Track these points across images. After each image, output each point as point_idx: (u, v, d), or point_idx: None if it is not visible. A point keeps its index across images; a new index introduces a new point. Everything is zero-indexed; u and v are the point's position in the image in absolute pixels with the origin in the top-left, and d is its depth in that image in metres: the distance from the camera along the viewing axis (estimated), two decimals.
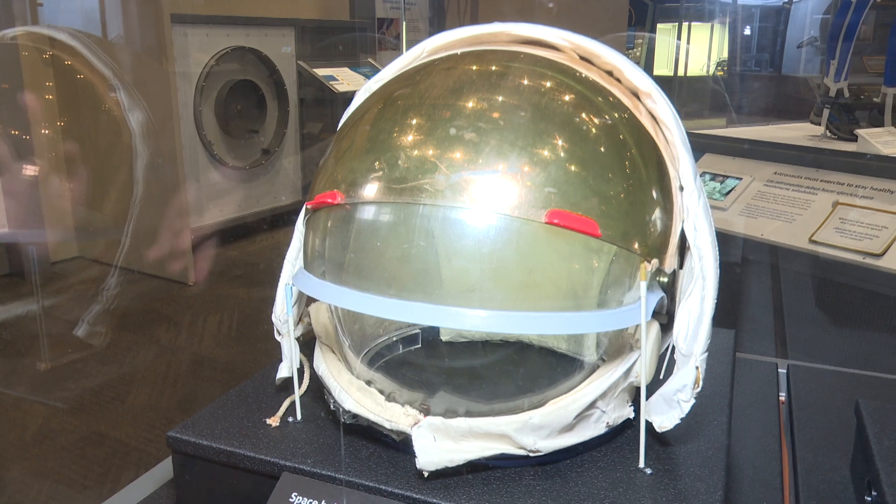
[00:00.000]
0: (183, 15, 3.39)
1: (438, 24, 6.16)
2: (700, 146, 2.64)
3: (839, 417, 0.66)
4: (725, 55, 7.04)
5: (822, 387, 0.74)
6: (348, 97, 3.39)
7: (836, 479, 0.59)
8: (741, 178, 2.61)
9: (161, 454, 0.60)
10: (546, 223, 0.45)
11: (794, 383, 0.75)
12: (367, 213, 0.52)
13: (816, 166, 2.50)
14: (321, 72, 4.47)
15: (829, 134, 2.78)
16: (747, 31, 6.94)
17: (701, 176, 2.03)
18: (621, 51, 0.54)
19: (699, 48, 7.25)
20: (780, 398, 0.75)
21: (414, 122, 0.50)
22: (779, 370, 0.79)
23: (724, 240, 2.31)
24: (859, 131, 2.59)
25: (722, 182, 2.61)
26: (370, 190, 0.49)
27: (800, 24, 6.45)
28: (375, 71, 5.23)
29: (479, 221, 0.47)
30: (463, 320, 0.47)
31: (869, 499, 0.51)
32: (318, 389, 0.58)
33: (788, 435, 0.67)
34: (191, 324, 3.08)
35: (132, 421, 2.27)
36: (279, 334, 0.59)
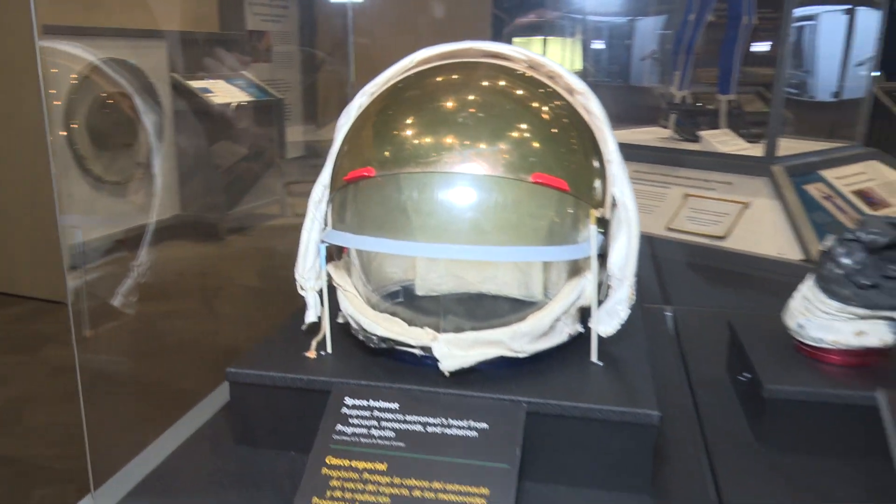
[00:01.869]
0: (53, 26, 3.30)
1: (310, 36, 6.23)
2: None
3: (712, 339, 0.88)
4: (579, 67, 7.59)
5: (696, 322, 0.96)
6: (223, 108, 3.49)
7: (717, 373, 0.81)
8: None
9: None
10: (532, 182, 0.63)
11: (678, 321, 0.97)
12: (399, 181, 0.68)
13: (668, 164, 2.83)
14: (196, 84, 4.43)
15: (676, 136, 3.11)
16: (597, 45, 7.52)
17: None
18: None
19: (554, 61, 7.73)
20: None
21: (426, 113, 0.66)
22: (665, 313, 1.01)
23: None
24: (701, 133, 2.98)
25: None
26: (400, 164, 0.65)
27: (643, 38, 7.10)
28: (249, 82, 5.22)
29: (483, 183, 0.65)
30: (481, 253, 0.65)
31: (742, 378, 0.72)
32: (336, 330, 0.72)
33: (679, 354, 0.89)
34: (83, 342, 3.00)
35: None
36: (302, 289, 0.73)
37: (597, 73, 7.83)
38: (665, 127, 3.30)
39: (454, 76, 0.70)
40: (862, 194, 2.80)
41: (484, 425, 0.59)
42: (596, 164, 0.69)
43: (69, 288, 0.91)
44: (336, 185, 0.71)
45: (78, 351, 0.71)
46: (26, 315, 3.22)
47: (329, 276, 0.71)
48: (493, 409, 0.60)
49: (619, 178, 0.70)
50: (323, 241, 0.69)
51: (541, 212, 0.71)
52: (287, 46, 6.14)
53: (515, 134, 0.66)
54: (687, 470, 0.64)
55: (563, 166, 0.64)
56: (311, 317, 0.74)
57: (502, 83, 0.67)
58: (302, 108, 6.21)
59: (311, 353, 0.70)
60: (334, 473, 0.57)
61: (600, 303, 0.70)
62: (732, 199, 2.55)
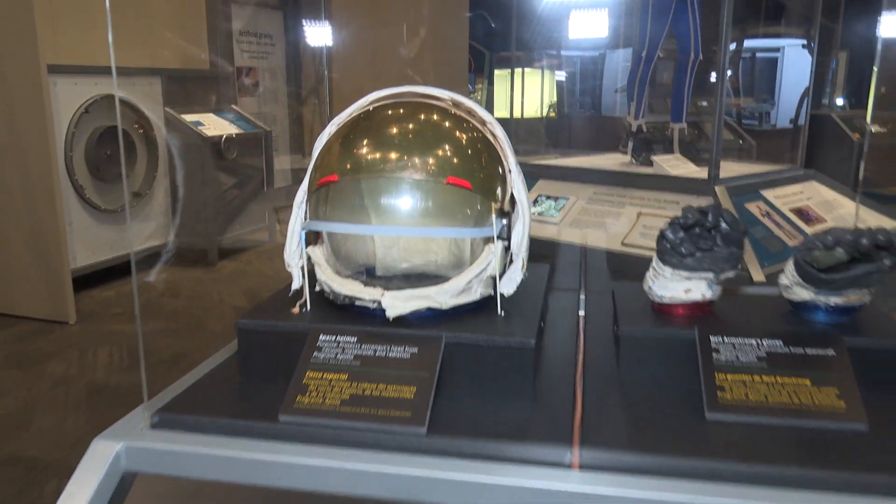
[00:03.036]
0: (53, 65, 3.56)
1: (296, 71, 6.54)
2: (536, 174, 3.18)
3: (609, 309, 1.14)
4: (555, 98, 7.95)
5: (603, 299, 1.23)
6: (216, 140, 3.82)
7: (605, 330, 1.09)
8: (569, 198, 3.12)
9: None
10: (446, 183, 0.90)
11: (589, 300, 1.24)
12: (356, 184, 0.95)
13: (624, 186, 3.07)
14: (188, 118, 4.69)
15: (633, 161, 3.36)
16: (572, 78, 7.89)
17: (538, 197, 2.63)
18: (464, 94, 1.01)
19: (533, 92, 8.10)
20: (580, 314, 1.23)
21: (375, 136, 0.93)
22: (580, 296, 1.28)
23: (558, 246, 2.83)
24: (655, 158, 3.25)
25: (555, 201, 3.12)
26: (357, 172, 0.92)
27: (613, 71, 7.48)
28: (238, 115, 5.45)
29: (415, 184, 0.92)
30: (415, 231, 0.93)
31: (614, 329, 0.99)
32: (312, 295, 0.99)
33: (583, 320, 1.16)
34: (80, 358, 3.21)
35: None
36: (289, 266, 0.99)
37: (570, 105, 8.17)
38: (625, 152, 3.53)
39: (400, 111, 0.97)
40: (799, 212, 3.05)
41: (414, 349, 0.84)
42: (499, 172, 0.95)
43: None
44: (311, 189, 0.97)
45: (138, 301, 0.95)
46: (27, 334, 3.43)
47: (308, 256, 0.97)
48: (422, 340, 0.86)
49: (517, 184, 0.97)
50: (303, 229, 0.95)
51: (456, 205, 0.99)
52: (273, 82, 6.45)
53: (438, 151, 0.92)
54: (564, 383, 0.90)
55: (470, 174, 0.91)
56: (296, 285, 0.99)
57: (430, 116, 0.94)
58: (288, 139, 6.50)
59: (296, 310, 0.96)
60: (311, 383, 0.82)
61: (504, 272, 0.96)
62: None
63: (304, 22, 6.26)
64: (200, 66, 5.63)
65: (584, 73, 8.10)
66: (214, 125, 4.82)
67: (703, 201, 2.80)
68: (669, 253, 0.92)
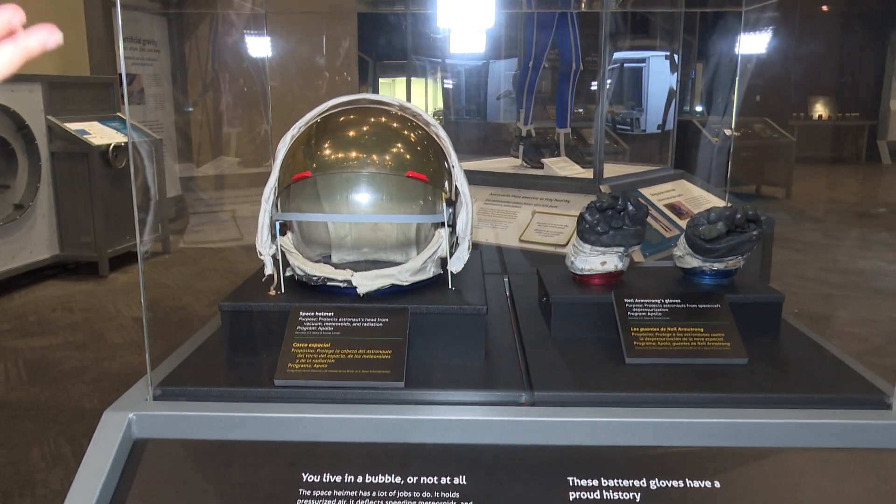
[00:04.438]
0: None
1: (181, 77, 6.41)
2: None
3: (532, 288, 1.33)
4: (441, 106, 8.21)
5: (525, 281, 1.41)
6: (103, 150, 3.82)
7: (531, 301, 1.27)
8: None
9: None
10: (406, 176, 1.06)
11: (512, 281, 1.43)
12: (326, 178, 1.09)
13: (518, 187, 3.29)
14: (72, 126, 4.53)
15: (524, 164, 3.59)
16: (456, 86, 8.17)
17: None
18: None
19: (418, 100, 8.30)
20: (507, 293, 1.42)
21: (343, 136, 1.07)
22: (504, 279, 1.46)
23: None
24: (544, 161, 3.50)
25: None
26: (324, 168, 1.06)
27: (497, 79, 7.81)
28: (124, 123, 5.29)
29: (375, 178, 1.08)
30: (375, 218, 1.07)
31: (543, 299, 1.18)
32: (285, 281, 1.11)
33: (511, 296, 1.34)
34: None
35: None
36: (261, 254, 1.10)
37: (457, 112, 8.44)
38: (516, 156, 3.75)
39: (354, 116, 1.10)
40: (672, 207, 3.39)
41: (386, 319, 0.98)
42: (445, 166, 1.12)
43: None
44: (282, 185, 1.09)
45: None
46: None
47: (280, 245, 1.09)
48: (391, 312, 0.99)
49: (459, 177, 1.14)
50: (277, 220, 1.07)
51: (412, 195, 1.15)
52: (159, 89, 6.29)
53: (394, 149, 1.06)
54: (507, 343, 1.07)
55: (425, 168, 1.06)
56: (268, 271, 1.10)
57: (385, 119, 1.09)
58: (176, 147, 6.35)
59: (272, 292, 1.07)
60: (298, 351, 0.94)
61: (452, 253, 1.13)
62: (570, 214, 3.00)
63: (189, 28, 6.16)
64: (81, 72, 5.42)
65: (468, 82, 8.39)
66: (100, 133, 4.68)
67: (589, 199, 3.08)
68: (588, 231, 1.11)
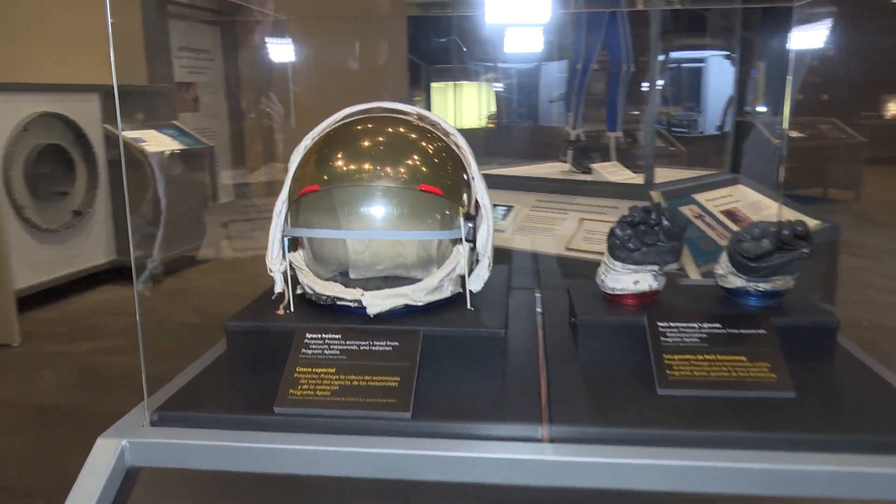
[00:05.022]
0: None
1: (236, 86, 6.52)
2: None
3: (564, 304, 1.24)
4: (494, 109, 8.13)
5: (558, 296, 1.33)
6: (157, 157, 3.83)
7: (562, 320, 1.19)
8: (514, 206, 3.22)
9: None
10: (419, 189, 0.99)
11: (545, 298, 1.34)
12: (335, 192, 1.03)
13: (566, 193, 3.20)
14: (129, 134, 4.64)
15: (573, 169, 3.49)
16: (508, 89, 8.08)
17: None
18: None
19: (470, 104, 8.23)
20: (538, 310, 1.33)
21: (352, 148, 1.01)
22: (536, 294, 1.38)
23: (509, 252, 2.93)
24: (593, 165, 3.39)
25: (499, 210, 3.21)
26: (333, 181, 1.00)
27: (548, 82, 7.69)
28: (180, 131, 5.41)
29: (388, 192, 1.01)
30: (388, 234, 1.01)
31: (572, 319, 1.09)
32: (294, 298, 1.05)
33: (541, 314, 1.26)
34: (26, 380, 3.15)
35: None
36: (271, 271, 1.06)
37: (508, 115, 8.35)
38: (564, 161, 3.65)
39: (369, 125, 1.05)
40: (729, 213, 3.23)
41: (395, 343, 0.92)
42: (464, 179, 1.05)
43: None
44: (292, 199, 1.04)
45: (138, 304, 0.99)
46: None
47: (290, 261, 1.04)
48: (401, 334, 0.93)
49: (480, 190, 1.07)
50: (285, 235, 1.02)
51: (427, 210, 1.08)
52: (213, 96, 6.41)
53: (410, 161, 1.00)
54: (529, 368, 0.99)
55: (440, 181, 1.00)
56: (278, 288, 1.06)
57: (399, 129, 1.03)
58: (230, 154, 6.46)
59: (280, 312, 1.02)
60: (302, 376, 0.89)
61: (472, 270, 1.05)
62: None
63: (245, 37, 6.25)
64: (139, 81, 5.56)
65: (520, 85, 8.30)
66: (156, 141, 4.77)
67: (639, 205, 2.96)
68: (619, 248, 1.03)
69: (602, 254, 2.99)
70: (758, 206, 3.40)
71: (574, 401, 0.92)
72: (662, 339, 0.96)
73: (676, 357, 0.93)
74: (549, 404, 0.91)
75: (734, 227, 3.04)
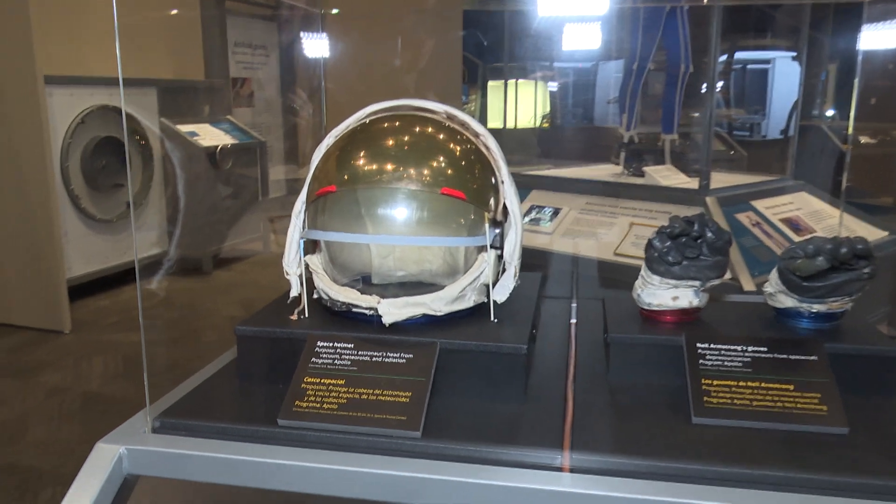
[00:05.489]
0: (50, 76, 3.58)
1: (290, 82, 6.58)
2: (529, 184, 3.20)
3: (599, 316, 1.17)
4: (549, 109, 8.01)
5: (593, 306, 1.26)
6: (211, 151, 3.84)
7: (595, 336, 1.11)
8: (562, 208, 3.14)
9: None
10: (441, 193, 0.93)
11: (580, 307, 1.27)
12: (353, 193, 0.98)
13: (616, 196, 3.09)
14: (183, 128, 4.71)
15: (625, 171, 3.38)
16: (564, 89, 7.95)
17: (531, 207, 2.64)
18: (458, 104, 1.04)
19: (526, 103, 8.13)
20: (572, 321, 1.26)
21: (372, 148, 0.96)
22: (572, 304, 1.30)
23: (551, 256, 2.85)
24: (646, 168, 3.28)
25: (548, 211, 3.14)
26: (354, 182, 0.95)
27: (605, 82, 7.53)
28: (233, 126, 5.47)
29: (410, 194, 0.95)
30: (408, 240, 0.95)
31: (605, 335, 1.02)
32: (310, 302, 1.01)
33: (574, 329, 1.18)
34: (75, 367, 3.22)
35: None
36: (287, 274, 1.02)
37: (563, 115, 8.22)
38: (617, 163, 3.55)
39: (395, 123, 0.99)
40: (789, 221, 3.08)
41: (410, 355, 0.86)
42: (492, 182, 0.99)
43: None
44: (310, 200, 1.00)
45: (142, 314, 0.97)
46: (22, 344, 3.43)
47: (307, 264, 1.00)
48: (417, 346, 0.87)
49: (509, 194, 1.00)
50: (302, 238, 0.98)
51: (450, 214, 1.01)
52: (268, 92, 6.48)
53: (432, 162, 0.95)
54: (555, 388, 0.92)
55: (464, 184, 0.94)
56: (294, 292, 1.02)
57: (424, 128, 0.97)
58: (283, 149, 6.53)
59: (294, 317, 0.98)
60: (309, 387, 0.84)
61: (497, 280, 0.99)
62: None
63: (299, 34, 6.30)
64: (195, 76, 5.65)
65: (576, 85, 8.16)
66: (209, 135, 4.84)
67: (693, 212, 2.84)
68: (657, 261, 0.95)
69: None
70: (820, 214, 3.24)
71: (599, 427, 0.85)
72: (701, 361, 0.88)
73: (715, 382, 0.85)
74: (572, 428, 0.84)
75: (794, 237, 2.90)
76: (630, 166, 3.40)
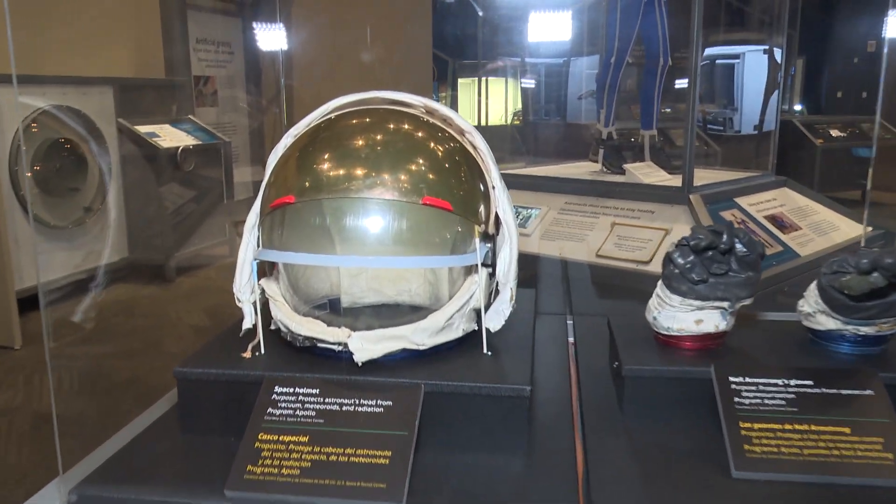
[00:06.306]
0: None
1: (255, 80, 6.36)
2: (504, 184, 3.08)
3: (602, 339, 1.03)
4: (520, 106, 7.89)
5: (593, 325, 1.12)
6: (172, 152, 3.62)
7: (600, 363, 0.96)
8: (540, 208, 3.02)
9: None
10: (423, 204, 0.78)
11: (577, 326, 1.12)
12: (315, 206, 0.82)
13: (596, 195, 2.97)
14: (142, 129, 4.50)
15: (604, 169, 3.28)
16: (535, 85, 7.84)
17: None
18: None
19: (497, 100, 8.01)
20: (570, 340, 1.12)
21: (336, 150, 0.80)
22: (567, 321, 1.16)
23: (534, 259, 2.72)
24: (626, 166, 3.16)
25: (525, 212, 3.01)
26: (316, 192, 0.79)
27: (577, 78, 7.44)
28: (195, 126, 5.29)
29: (384, 206, 0.79)
30: (382, 262, 0.79)
31: (615, 364, 0.87)
32: (268, 335, 0.85)
33: (573, 349, 1.04)
34: (25, 385, 3.01)
35: None
36: (239, 301, 0.85)
37: (535, 112, 8.13)
38: (595, 161, 3.46)
39: (365, 119, 0.84)
40: (773, 218, 2.99)
41: (388, 402, 0.71)
42: (481, 189, 0.84)
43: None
44: (264, 212, 0.84)
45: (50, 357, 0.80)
46: None
47: (262, 289, 0.84)
48: (397, 390, 0.73)
49: (501, 201, 0.85)
50: (255, 259, 0.82)
51: (434, 228, 0.86)
52: (232, 91, 6.25)
53: (411, 166, 0.80)
54: (562, 433, 0.78)
55: (449, 191, 0.79)
56: (247, 324, 0.86)
57: (400, 126, 0.82)
58: (249, 149, 6.31)
59: (247, 354, 0.82)
60: (265, 446, 0.69)
61: (490, 304, 0.84)
62: (655, 227, 2.67)
63: (261, 28, 6.09)
64: (155, 74, 5.42)
65: (548, 81, 8.06)
66: (170, 136, 4.63)
67: (678, 210, 2.72)
68: (678, 279, 0.81)
69: (635, 262, 2.76)
70: (805, 211, 3.17)
71: (619, 480, 0.70)
72: (737, 399, 0.74)
73: (756, 426, 0.71)
74: (586, 484, 0.69)
75: (779, 234, 2.80)
76: (609, 164, 3.30)
